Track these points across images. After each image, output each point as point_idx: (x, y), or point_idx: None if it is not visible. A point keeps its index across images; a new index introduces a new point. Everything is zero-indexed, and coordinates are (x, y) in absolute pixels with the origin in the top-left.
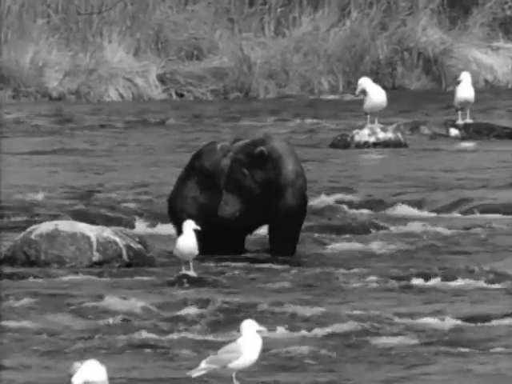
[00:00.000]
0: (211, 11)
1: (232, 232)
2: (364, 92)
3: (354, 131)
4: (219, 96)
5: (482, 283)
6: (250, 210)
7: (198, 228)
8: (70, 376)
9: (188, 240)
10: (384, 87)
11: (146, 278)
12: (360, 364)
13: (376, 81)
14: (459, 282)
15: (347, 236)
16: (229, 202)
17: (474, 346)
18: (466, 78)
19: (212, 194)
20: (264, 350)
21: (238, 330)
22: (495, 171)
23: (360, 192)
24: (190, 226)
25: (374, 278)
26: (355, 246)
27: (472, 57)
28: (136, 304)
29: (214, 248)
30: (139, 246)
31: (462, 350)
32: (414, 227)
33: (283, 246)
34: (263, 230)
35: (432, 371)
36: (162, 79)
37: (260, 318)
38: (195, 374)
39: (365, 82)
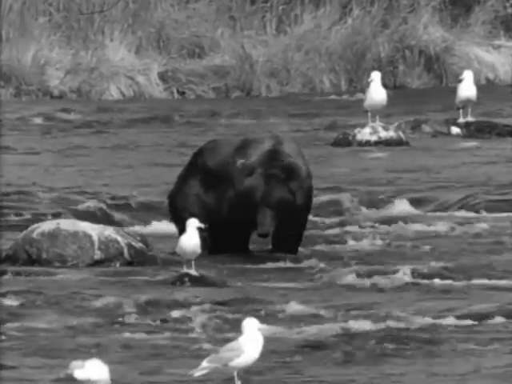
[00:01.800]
0: (213, 9)
1: (235, 231)
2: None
3: (356, 130)
4: (221, 94)
5: (483, 282)
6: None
7: (202, 226)
8: (70, 375)
9: (191, 238)
10: (385, 85)
11: (147, 277)
12: (361, 363)
13: None
14: (460, 281)
15: (349, 235)
16: (267, 217)
17: (475, 346)
18: (468, 76)
19: (215, 193)
20: (265, 349)
21: (240, 329)
22: (497, 169)
23: (361, 190)
24: (193, 224)
25: (375, 276)
26: (357, 244)
27: (473, 55)
28: (137, 303)
29: (217, 246)
30: (141, 244)
31: (464, 348)
32: (416, 226)
33: (287, 245)
34: None
35: (433, 371)
36: (163, 77)
37: (261, 317)
38: (197, 373)
39: (374, 77)
